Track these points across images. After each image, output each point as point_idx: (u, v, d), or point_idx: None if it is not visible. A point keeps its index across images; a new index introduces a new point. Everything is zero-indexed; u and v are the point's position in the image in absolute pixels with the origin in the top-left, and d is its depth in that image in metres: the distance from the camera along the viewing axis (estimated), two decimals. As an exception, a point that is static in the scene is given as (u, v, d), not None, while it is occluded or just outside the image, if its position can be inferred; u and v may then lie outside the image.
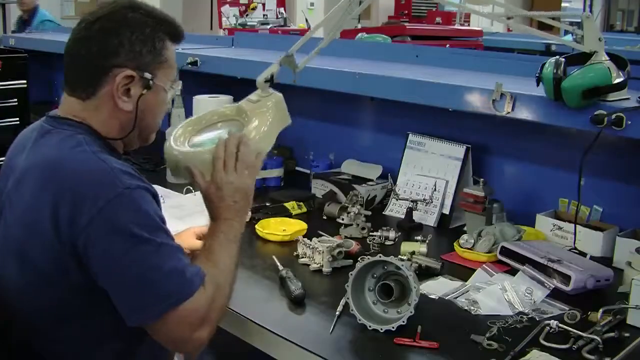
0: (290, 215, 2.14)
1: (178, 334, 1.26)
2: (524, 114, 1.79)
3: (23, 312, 1.34)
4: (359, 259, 1.50)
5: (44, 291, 1.29)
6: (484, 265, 1.74)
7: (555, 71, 1.63)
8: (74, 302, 1.30)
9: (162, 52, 1.39)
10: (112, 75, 1.34)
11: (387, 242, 1.93)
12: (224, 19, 5.75)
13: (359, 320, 1.41)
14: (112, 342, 1.35)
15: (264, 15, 7.54)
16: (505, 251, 1.75)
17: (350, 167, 2.45)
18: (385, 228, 1.96)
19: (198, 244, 1.72)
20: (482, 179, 2.02)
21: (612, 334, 1.38)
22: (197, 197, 2.26)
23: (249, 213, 1.50)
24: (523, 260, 1.69)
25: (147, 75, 1.36)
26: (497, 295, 1.56)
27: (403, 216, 2.12)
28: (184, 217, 1.99)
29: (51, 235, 1.24)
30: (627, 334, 1.39)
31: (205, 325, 1.27)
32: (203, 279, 1.28)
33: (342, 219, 2.03)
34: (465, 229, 2.03)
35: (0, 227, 1.38)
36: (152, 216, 1.25)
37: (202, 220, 1.87)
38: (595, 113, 1.62)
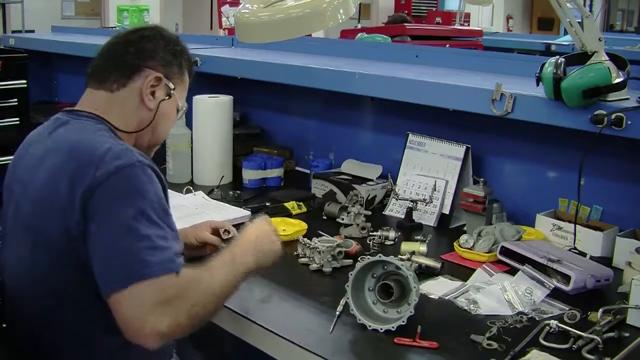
0: (290, 215, 2.14)
1: (136, 311, 1.21)
2: (523, 114, 1.79)
3: (31, 297, 1.38)
4: (359, 259, 1.50)
5: (54, 271, 1.33)
6: (483, 265, 1.74)
7: (555, 71, 1.64)
8: (82, 283, 1.32)
9: (184, 72, 1.58)
10: (144, 75, 1.49)
11: (387, 242, 1.93)
12: (224, 19, 5.74)
13: (359, 320, 1.41)
14: (111, 333, 1.36)
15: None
16: (505, 251, 1.75)
17: (350, 167, 2.45)
18: (385, 228, 1.96)
19: (210, 237, 1.77)
20: (482, 179, 2.02)
21: (612, 334, 1.38)
22: (196, 198, 2.29)
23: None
24: (523, 260, 1.69)
25: (171, 85, 1.53)
26: (497, 295, 1.56)
27: (403, 216, 2.12)
28: (183, 217, 1.99)
29: (67, 209, 1.28)
30: (627, 334, 1.39)
31: (167, 313, 1.21)
32: (179, 269, 1.27)
33: (342, 219, 2.03)
34: (465, 229, 2.03)
35: (10, 212, 1.43)
36: (154, 196, 1.31)
37: (201, 220, 1.89)
38: (595, 113, 1.62)
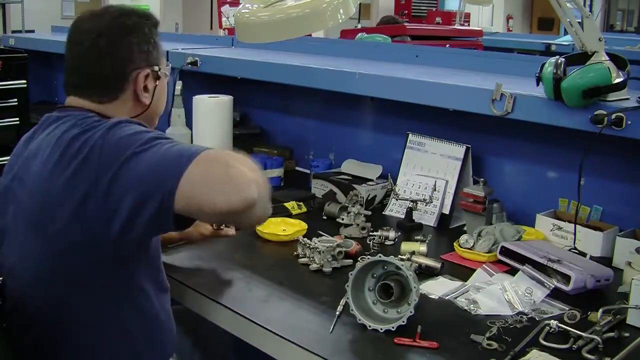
0: (290, 215, 2.14)
1: (215, 169, 1.21)
2: (523, 114, 1.79)
3: (33, 296, 1.36)
4: (359, 259, 1.50)
5: (65, 258, 1.31)
6: (484, 265, 1.74)
7: (555, 71, 1.64)
8: (95, 267, 1.32)
9: (158, 43, 1.52)
10: (132, 79, 1.46)
11: (387, 242, 1.93)
12: (224, 19, 5.74)
13: (359, 320, 1.41)
14: (114, 332, 1.37)
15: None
16: (505, 251, 1.75)
17: (350, 167, 2.45)
18: (385, 228, 1.96)
19: (210, 230, 1.79)
20: (482, 179, 2.02)
21: (612, 334, 1.38)
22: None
23: None
24: (523, 260, 1.69)
25: (156, 68, 1.51)
26: (497, 295, 1.56)
27: (403, 216, 2.12)
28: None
29: (69, 194, 1.26)
30: (627, 334, 1.39)
31: (240, 161, 1.23)
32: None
33: (342, 219, 2.03)
34: (465, 229, 2.03)
35: (10, 211, 1.41)
36: (152, 131, 1.32)
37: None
38: (595, 113, 1.62)
